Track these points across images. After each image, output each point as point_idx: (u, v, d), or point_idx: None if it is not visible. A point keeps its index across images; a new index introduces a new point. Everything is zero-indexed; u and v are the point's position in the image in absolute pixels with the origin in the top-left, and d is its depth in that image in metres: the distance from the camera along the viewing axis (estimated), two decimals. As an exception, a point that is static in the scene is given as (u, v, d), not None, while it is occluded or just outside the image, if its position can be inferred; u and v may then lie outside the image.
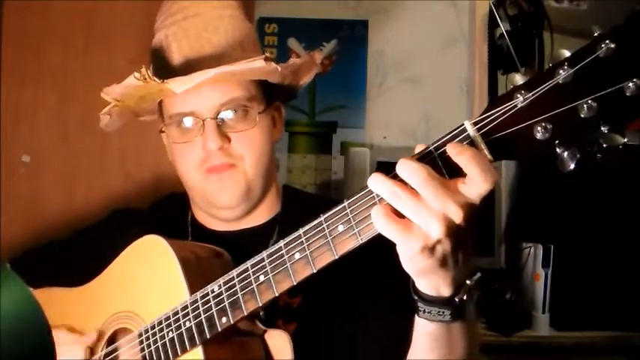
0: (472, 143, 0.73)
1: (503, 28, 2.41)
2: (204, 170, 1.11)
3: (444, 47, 2.53)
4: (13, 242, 1.48)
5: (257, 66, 1.05)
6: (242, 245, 1.16)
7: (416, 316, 0.86)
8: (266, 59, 1.05)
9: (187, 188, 1.19)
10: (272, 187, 1.21)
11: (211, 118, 1.09)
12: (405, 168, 0.73)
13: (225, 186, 1.11)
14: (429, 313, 0.83)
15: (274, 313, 1.06)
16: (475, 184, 0.72)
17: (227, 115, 1.10)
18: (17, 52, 1.66)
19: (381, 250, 0.76)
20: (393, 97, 2.52)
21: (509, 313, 2.15)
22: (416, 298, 0.84)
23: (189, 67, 1.08)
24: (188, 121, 1.11)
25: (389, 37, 2.52)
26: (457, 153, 0.72)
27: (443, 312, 0.82)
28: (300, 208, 1.20)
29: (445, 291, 0.81)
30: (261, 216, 1.20)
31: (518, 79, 0.73)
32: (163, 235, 1.07)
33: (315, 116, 2.51)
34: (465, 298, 0.82)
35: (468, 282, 0.82)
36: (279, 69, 1.08)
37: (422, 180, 0.72)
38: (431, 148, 0.75)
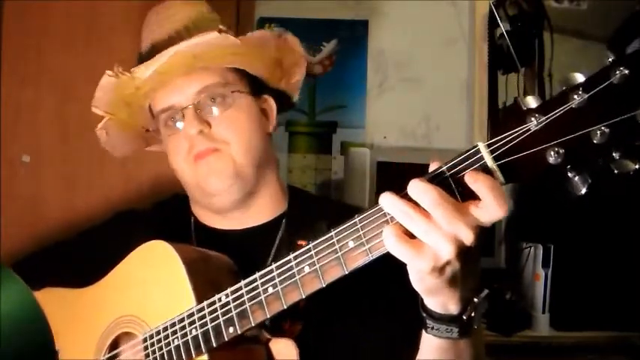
0: (485, 165, 0.74)
1: (503, 28, 2.40)
2: (192, 160, 1.13)
3: (444, 47, 2.53)
4: (13, 243, 1.48)
5: (211, 37, 1.08)
6: (247, 244, 1.16)
7: (423, 331, 0.87)
8: (220, 31, 1.07)
9: (184, 185, 1.20)
10: (272, 181, 1.21)
11: (188, 105, 1.12)
12: (416, 189, 0.74)
13: (212, 169, 1.12)
14: (437, 330, 0.84)
15: (280, 315, 1.06)
16: (489, 212, 0.73)
17: (203, 100, 1.14)
18: (17, 52, 1.66)
19: (390, 258, 0.77)
20: (393, 97, 2.52)
21: (509, 313, 2.15)
22: (424, 315, 0.85)
23: (154, 52, 1.12)
24: (170, 114, 1.15)
25: (389, 37, 2.52)
26: (474, 181, 0.73)
27: (451, 329, 0.83)
28: (306, 207, 1.21)
29: (453, 308, 0.82)
30: (265, 214, 1.21)
31: (532, 101, 0.73)
32: (167, 237, 1.07)
33: (315, 116, 2.50)
34: (472, 314, 0.82)
35: (475, 299, 0.82)
36: (239, 41, 1.11)
37: (433, 202, 0.72)
38: (444, 168, 0.76)
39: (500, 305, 2.15)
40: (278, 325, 1.03)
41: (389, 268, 0.78)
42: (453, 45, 2.53)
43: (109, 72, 1.11)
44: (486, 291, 0.84)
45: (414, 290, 0.81)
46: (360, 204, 2.07)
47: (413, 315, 0.87)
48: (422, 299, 0.83)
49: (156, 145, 1.31)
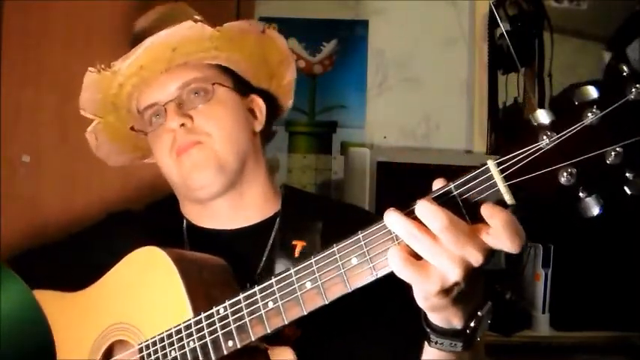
0: (494, 184, 0.71)
1: (503, 28, 2.40)
2: (175, 155, 1.14)
3: (444, 47, 2.53)
4: (12, 242, 1.48)
5: (186, 27, 1.09)
6: (240, 244, 1.16)
7: (426, 343, 0.86)
8: (195, 21, 1.09)
9: (170, 182, 1.20)
10: (261, 181, 1.21)
11: (170, 100, 1.13)
12: (425, 211, 0.71)
13: (194, 162, 1.12)
14: (441, 344, 0.83)
15: None
16: (500, 245, 0.72)
17: (185, 95, 1.14)
18: (17, 52, 1.66)
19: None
20: (393, 97, 2.52)
21: (509, 313, 2.15)
22: (428, 330, 0.84)
23: (134, 46, 1.14)
24: (153, 112, 1.17)
25: (389, 37, 2.52)
26: (490, 215, 0.71)
27: (455, 344, 0.82)
28: (302, 207, 1.21)
29: (457, 323, 0.81)
30: (257, 214, 1.20)
31: (543, 116, 0.70)
32: (161, 238, 1.07)
33: (315, 116, 2.50)
34: (477, 328, 0.82)
35: (479, 313, 0.82)
36: (216, 32, 1.12)
37: (442, 226, 0.70)
38: (451, 186, 0.73)
39: (500, 305, 2.15)
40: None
41: (391, 279, 0.77)
42: (453, 45, 2.53)
43: (91, 68, 1.13)
44: (489, 304, 0.83)
45: (417, 304, 0.79)
46: (360, 204, 2.07)
47: (414, 327, 0.86)
48: (425, 313, 0.83)
49: (152, 157, 1.30)
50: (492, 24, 2.47)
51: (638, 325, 2.07)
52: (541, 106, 2.41)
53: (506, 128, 2.47)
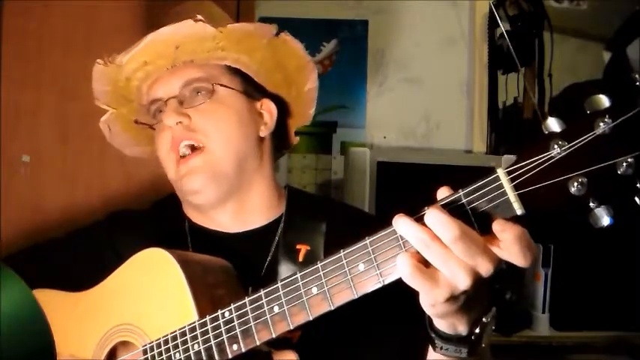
0: (504, 193, 0.71)
1: (503, 28, 2.40)
2: (174, 158, 1.14)
3: (444, 47, 2.53)
4: (12, 242, 1.48)
5: (186, 25, 1.08)
6: (243, 247, 1.15)
7: (431, 348, 0.86)
8: (195, 20, 1.08)
9: (171, 182, 1.19)
10: (264, 184, 1.20)
11: (172, 97, 1.13)
12: (437, 222, 0.70)
13: (190, 169, 1.12)
14: (446, 349, 0.83)
15: None
16: (510, 259, 0.72)
17: (188, 93, 1.14)
18: (17, 52, 1.66)
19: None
20: (393, 97, 2.52)
21: (509, 313, 2.15)
22: (433, 335, 0.84)
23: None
24: (157, 107, 1.17)
25: (389, 37, 2.52)
26: (501, 230, 0.71)
27: (460, 349, 0.82)
28: (305, 210, 1.20)
29: (462, 329, 0.81)
30: (261, 218, 1.19)
31: (554, 124, 0.69)
32: (163, 238, 1.06)
33: (315, 116, 2.50)
34: (481, 334, 0.82)
35: (484, 319, 0.82)
36: (218, 32, 1.10)
37: (454, 237, 0.70)
38: (460, 194, 0.73)
39: (500, 305, 2.14)
40: None
41: (396, 283, 0.76)
42: (453, 45, 2.53)
43: (98, 60, 1.14)
44: (494, 310, 0.83)
45: (422, 307, 0.79)
46: (360, 204, 2.07)
47: (419, 331, 0.86)
48: (430, 318, 0.83)
49: None
50: (492, 24, 2.47)
51: (638, 325, 2.07)
52: (541, 106, 2.41)
53: (506, 128, 2.47)
